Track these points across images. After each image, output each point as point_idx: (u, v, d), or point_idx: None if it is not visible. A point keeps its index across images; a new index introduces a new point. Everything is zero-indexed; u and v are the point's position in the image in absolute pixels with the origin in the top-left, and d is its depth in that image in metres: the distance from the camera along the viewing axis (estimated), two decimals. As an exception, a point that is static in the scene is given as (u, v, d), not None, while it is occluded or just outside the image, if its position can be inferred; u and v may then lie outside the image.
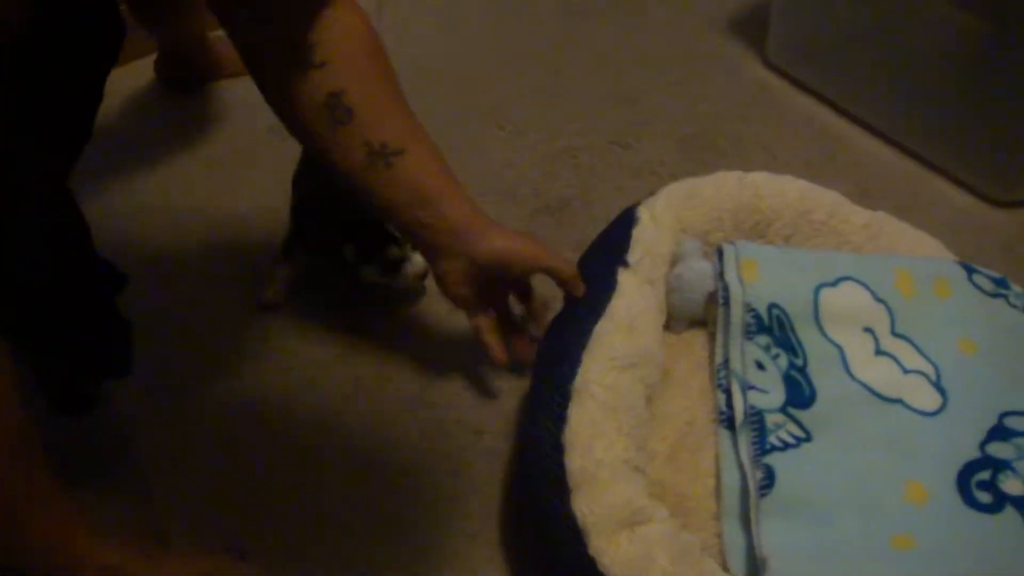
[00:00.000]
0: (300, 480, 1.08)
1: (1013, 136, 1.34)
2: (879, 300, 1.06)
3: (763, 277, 1.05)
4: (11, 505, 0.82)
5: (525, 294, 1.10)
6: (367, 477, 1.08)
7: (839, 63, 1.53)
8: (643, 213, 1.08)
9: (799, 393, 1.01)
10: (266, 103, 0.96)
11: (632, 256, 1.03)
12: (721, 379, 1.03)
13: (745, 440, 0.98)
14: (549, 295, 1.09)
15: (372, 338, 1.22)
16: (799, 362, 1.02)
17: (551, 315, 1.07)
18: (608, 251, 1.06)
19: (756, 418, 0.98)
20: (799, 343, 1.04)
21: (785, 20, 1.59)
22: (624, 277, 1.01)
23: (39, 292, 0.85)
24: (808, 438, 0.98)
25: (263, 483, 1.08)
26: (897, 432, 0.99)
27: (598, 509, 0.86)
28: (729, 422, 1.00)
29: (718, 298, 1.06)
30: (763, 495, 0.94)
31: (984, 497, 0.95)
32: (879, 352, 1.04)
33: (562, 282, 1.03)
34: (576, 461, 0.89)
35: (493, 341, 1.05)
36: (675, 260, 1.08)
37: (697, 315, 1.09)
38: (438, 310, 1.24)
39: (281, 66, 0.92)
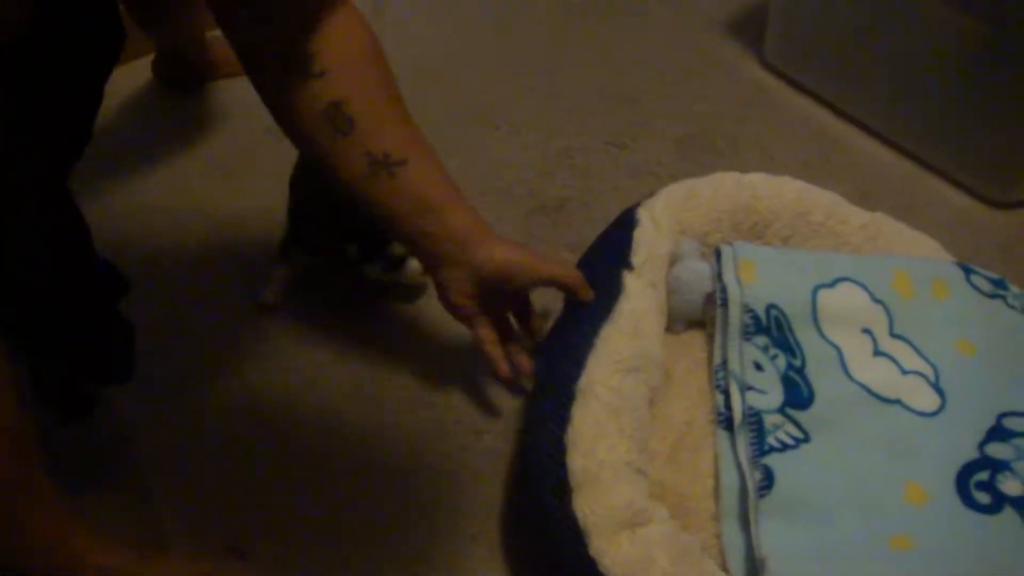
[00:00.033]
0: (299, 481, 1.08)
1: (1011, 137, 1.34)
2: (877, 301, 1.06)
3: (761, 278, 1.05)
4: (9, 506, 0.81)
5: (524, 308, 1.09)
6: (367, 478, 1.08)
7: (837, 64, 1.53)
8: (643, 215, 1.08)
9: (797, 394, 1.01)
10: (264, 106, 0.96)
11: (636, 259, 1.03)
12: (719, 380, 1.03)
13: (744, 441, 0.98)
14: (550, 301, 1.09)
15: (371, 339, 1.22)
16: (797, 363, 1.03)
17: (551, 319, 1.07)
18: (610, 253, 1.06)
19: (754, 419, 0.99)
20: (797, 344, 1.04)
21: (783, 21, 1.59)
22: (629, 280, 1.01)
23: (38, 291, 0.85)
24: (807, 439, 0.99)
25: (262, 484, 1.08)
26: (896, 433, 0.99)
27: (599, 510, 0.87)
28: (728, 423, 1.00)
29: (716, 299, 1.06)
30: (762, 496, 0.94)
31: (983, 498, 0.95)
32: (877, 353, 1.04)
33: (568, 289, 1.02)
34: (579, 461, 0.89)
35: (496, 354, 1.04)
36: (673, 261, 1.08)
37: (695, 316, 1.09)
38: (437, 311, 1.23)
39: (280, 74, 0.92)
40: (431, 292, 1.25)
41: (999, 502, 0.95)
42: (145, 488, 1.06)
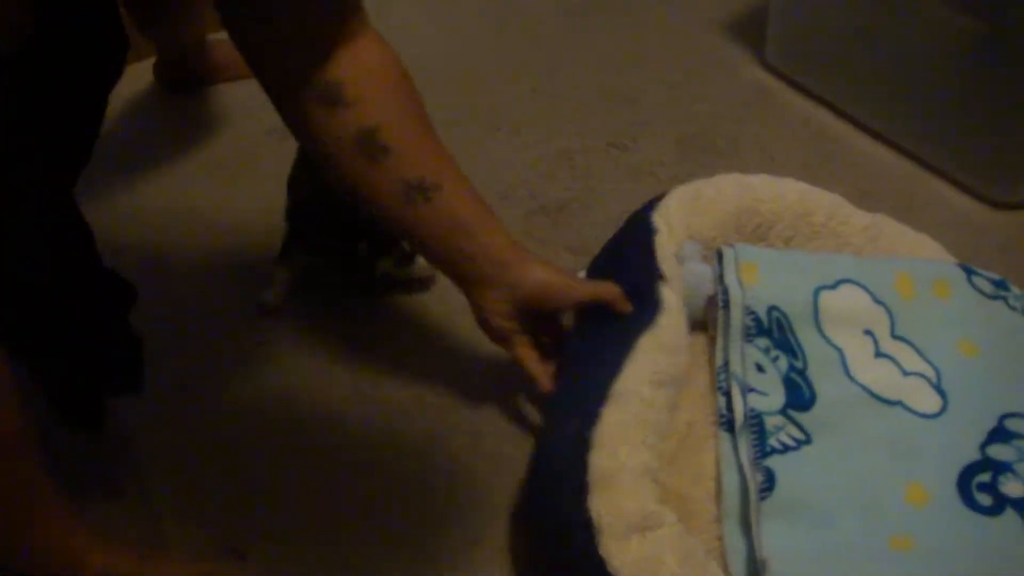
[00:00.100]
0: (299, 482, 1.08)
1: (1011, 137, 1.34)
2: (878, 302, 1.06)
3: (762, 280, 1.05)
4: (10, 508, 0.82)
5: (556, 327, 1.08)
6: (367, 480, 1.08)
7: (837, 65, 1.53)
8: (659, 222, 1.07)
9: (799, 395, 1.01)
10: (274, 111, 0.95)
11: (667, 270, 1.03)
12: (721, 382, 1.03)
13: (745, 443, 0.98)
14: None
15: (371, 340, 1.22)
16: (799, 364, 1.03)
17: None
18: (634, 261, 1.05)
19: (756, 420, 0.99)
20: (799, 345, 1.04)
21: (783, 22, 1.59)
22: (666, 293, 1.01)
23: (39, 292, 0.85)
24: (808, 440, 0.99)
25: (262, 485, 1.08)
26: (897, 434, 0.99)
27: (614, 511, 0.86)
28: (729, 424, 1.00)
29: (718, 301, 1.06)
30: (763, 497, 0.94)
31: (984, 499, 0.95)
32: (879, 354, 1.04)
33: (609, 305, 1.01)
34: (601, 460, 0.89)
35: (539, 371, 1.03)
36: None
37: (697, 318, 1.09)
38: (437, 312, 1.24)
39: (310, 103, 0.91)
40: (432, 293, 1.25)
41: (1000, 504, 0.95)
42: (144, 490, 1.06)
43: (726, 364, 1.03)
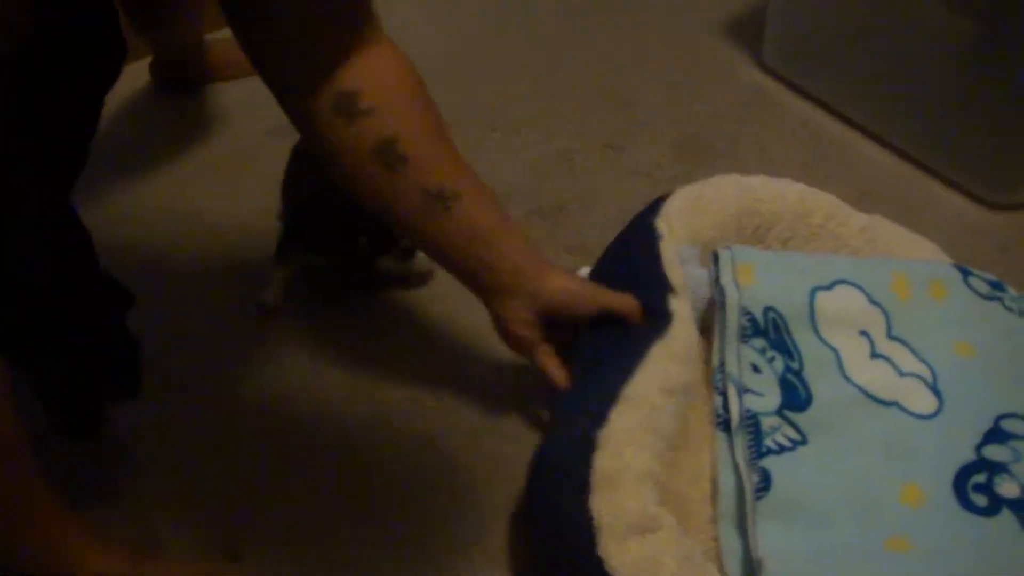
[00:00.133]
0: (297, 483, 1.08)
1: (1008, 139, 1.34)
2: (874, 303, 1.06)
3: (758, 280, 1.05)
4: (7, 509, 0.82)
5: (568, 333, 1.06)
6: (364, 480, 1.08)
7: (834, 66, 1.53)
8: (663, 227, 1.07)
9: (795, 396, 1.01)
10: (287, 119, 0.95)
11: (674, 279, 1.02)
12: (717, 382, 1.03)
13: (741, 443, 0.98)
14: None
15: (369, 340, 1.22)
16: (795, 365, 1.03)
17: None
18: (640, 268, 1.05)
19: (752, 421, 0.99)
20: (795, 346, 1.04)
21: (781, 23, 1.59)
22: (679, 305, 1.01)
23: (39, 292, 0.84)
24: (804, 441, 0.99)
25: (260, 486, 1.08)
26: (893, 435, 0.99)
27: (615, 512, 0.86)
28: (725, 424, 1.00)
29: (715, 302, 1.06)
30: (759, 498, 0.94)
31: (980, 500, 0.95)
32: (875, 355, 1.04)
33: (625, 317, 1.01)
34: (605, 460, 0.88)
35: (564, 378, 1.03)
36: (674, 267, 1.08)
37: (696, 321, 1.09)
38: (435, 312, 1.24)
39: (326, 114, 0.91)
40: (430, 293, 1.25)
41: (996, 504, 0.95)
42: (141, 491, 1.06)
43: (722, 364, 1.03)
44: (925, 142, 1.44)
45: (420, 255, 1.21)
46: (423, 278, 1.26)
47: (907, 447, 0.99)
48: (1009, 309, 1.09)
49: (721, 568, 0.93)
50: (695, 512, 0.97)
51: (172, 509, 1.05)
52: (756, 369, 1.02)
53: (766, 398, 1.00)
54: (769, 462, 0.96)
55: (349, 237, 1.19)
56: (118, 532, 1.01)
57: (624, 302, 1.02)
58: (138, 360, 1.02)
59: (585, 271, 1.15)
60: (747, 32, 1.70)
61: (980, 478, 0.96)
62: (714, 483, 0.98)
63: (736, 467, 0.97)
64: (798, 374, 1.02)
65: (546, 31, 1.75)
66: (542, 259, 1.01)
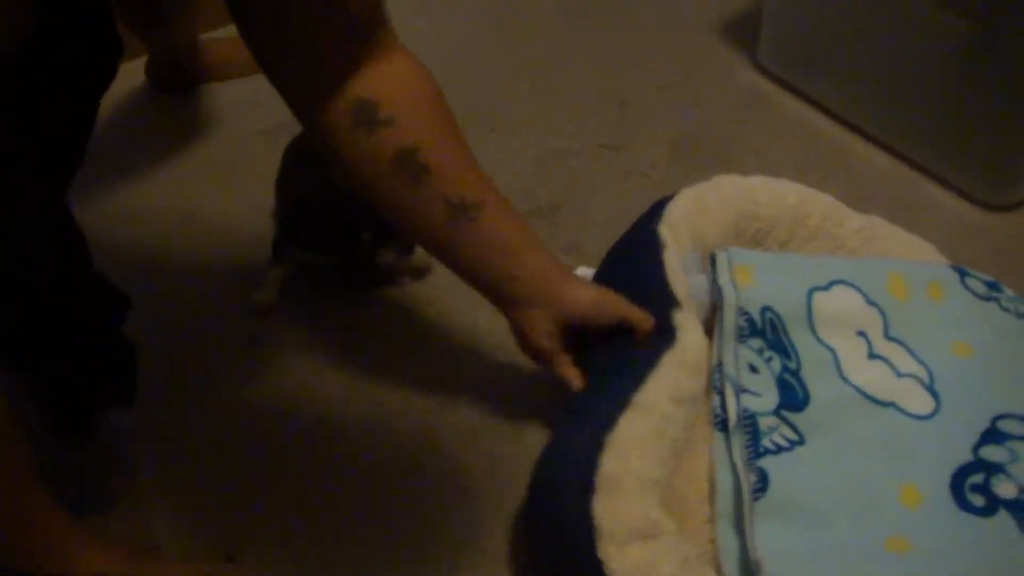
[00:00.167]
0: (294, 484, 1.08)
1: (1005, 140, 1.35)
2: (872, 303, 1.07)
3: (756, 280, 1.05)
4: (4, 511, 0.81)
5: (582, 341, 1.06)
6: (360, 481, 1.08)
7: (831, 67, 1.53)
8: (666, 234, 1.06)
9: (792, 396, 1.01)
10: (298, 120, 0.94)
11: (678, 291, 1.02)
12: (715, 382, 1.03)
13: (738, 443, 0.98)
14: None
15: (366, 340, 1.22)
16: (792, 365, 1.03)
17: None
18: (650, 281, 1.04)
19: (749, 421, 0.99)
20: (792, 346, 1.04)
21: (777, 24, 1.59)
22: (683, 319, 1.00)
23: (39, 292, 0.84)
24: (801, 441, 0.99)
25: (257, 486, 1.07)
26: (891, 435, 1.00)
27: (618, 515, 0.86)
28: (723, 425, 1.00)
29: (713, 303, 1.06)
30: (756, 498, 0.94)
31: (977, 500, 0.95)
32: (872, 356, 1.04)
33: (636, 327, 1.00)
34: (611, 463, 0.88)
35: (583, 387, 1.01)
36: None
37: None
38: (433, 312, 1.24)
39: (344, 124, 0.90)
40: (428, 293, 1.25)
41: (994, 505, 0.95)
42: (137, 491, 1.06)
43: (720, 364, 1.03)
44: (921, 143, 1.44)
45: (419, 249, 1.20)
46: (422, 272, 1.26)
47: (904, 448, 0.99)
48: (1006, 310, 1.09)
49: (719, 569, 0.93)
50: (693, 512, 0.97)
51: (169, 509, 1.05)
52: (754, 369, 1.02)
53: (763, 398, 1.00)
54: (767, 462, 0.96)
55: (351, 234, 1.18)
56: (115, 533, 1.00)
57: (641, 316, 1.00)
58: (134, 366, 1.01)
59: (582, 271, 1.14)
60: (743, 33, 1.70)
61: (977, 479, 0.97)
62: (711, 483, 0.98)
63: (734, 467, 0.97)
64: (795, 374, 1.02)
65: (545, 31, 1.75)
66: (565, 269, 1.00)
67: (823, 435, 0.99)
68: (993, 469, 0.97)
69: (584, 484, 0.88)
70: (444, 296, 1.24)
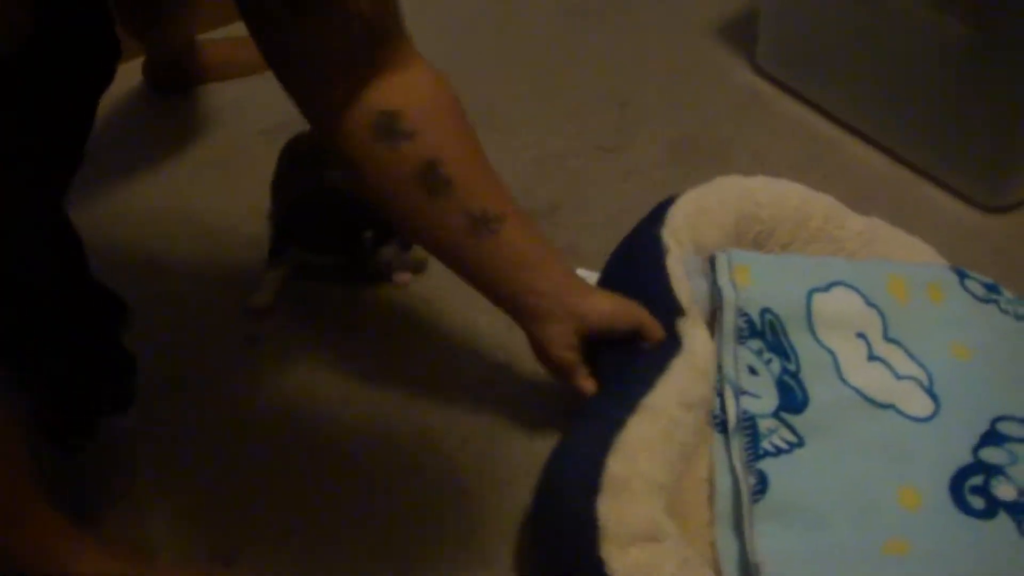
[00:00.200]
0: (291, 486, 1.07)
1: (1003, 141, 1.35)
2: (871, 305, 1.07)
3: (755, 282, 1.06)
4: (2, 512, 0.81)
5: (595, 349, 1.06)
6: (361, 481, 1.08)
7: (829, 69, 1.53)
8: (669, 239, 1.06)
9: (792, 398, 1.01)
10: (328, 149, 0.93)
11: (682, 298, 1.02)
12: (715, 383, 1.03)
13: (738, 445, 0.98)
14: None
15: (363, 342, 1.22)
16: (792, 367, 1.03)
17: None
18: (654, 288, 1.04)
19: (749, 423, 0.99)
20: (792, 348, 1.04)
21: (775, 26, 1.59)
22: (687, 326, 1.00)
23: (39, 292, 0.84)
24: (801, 443, 0.99)
25: (255, 488, 1.07)
26: (890, 437, 1.00)
27: (622, 517, 0.86)
28: (723, 426, 1.00)
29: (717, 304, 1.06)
30: (756, 500, 0.94)
31: (977, 502, 0.95)
32: (872, 358, 1.05)
33: (646, 335, 1.00)
34: (618, 465, 0.88)
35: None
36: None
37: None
38: (429, 313, 1.24)
39: (365, 136, 0.88)
40: (425, 294, 1.25)
41: (993, 507, 0.95)
42: (134, 493, 1.06)
43: (719, 366, 1.03)
44: (919, 145, 1.44)
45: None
46: (420, 266, 1.26)
47: (904, 450, 0.99)
48: (1004, 312, 1.09)
49: (718, 571, 0.93)
50: (692, 514, 0.96)
51: (166, 511, 1.05)
52: (753, 371, 1.02)
53: (763, 400, 1.00)
54: (766, 464, 0.96)
55: (351, 234, 1.18)
56: (113, 534, 1.00)
57: (656, 326, 1.00)
58: (133, 373, 1.01)
59: (582, 272, 1.14)
60: (741, 34, 1.70)
61: (977, 481, 0.97)
62: (711, 485, 0.98)
63: (733, 469, 0.97)
64: (795, 376, 1.02)
65: (545, 31, 1.75)
66: (583, 281, 1.00)
67: (822, 437, 0.99)
68: (992, 471, 0.97)
69: (590, 484, 0.88)
70: (443, 296, 1.24)
